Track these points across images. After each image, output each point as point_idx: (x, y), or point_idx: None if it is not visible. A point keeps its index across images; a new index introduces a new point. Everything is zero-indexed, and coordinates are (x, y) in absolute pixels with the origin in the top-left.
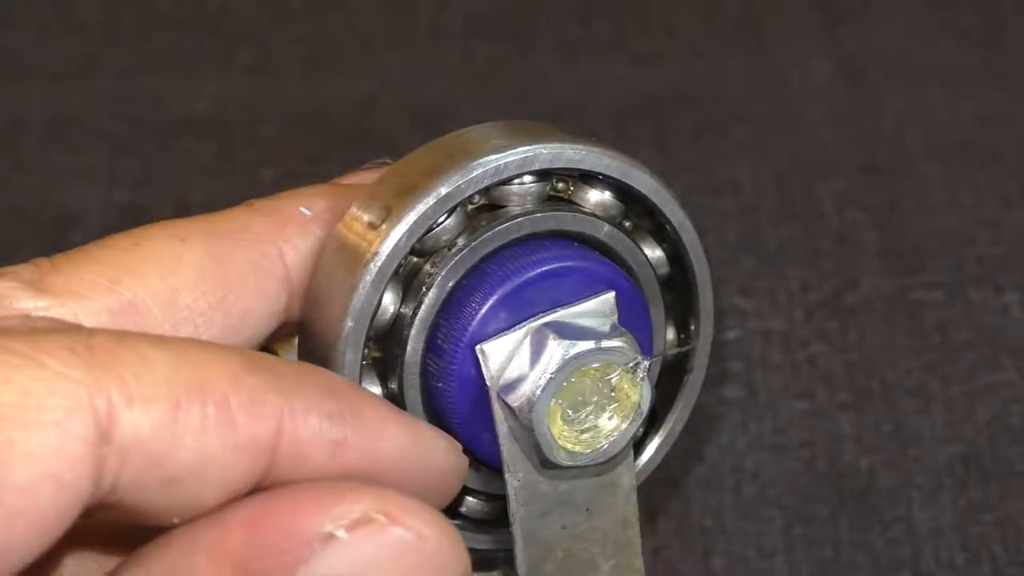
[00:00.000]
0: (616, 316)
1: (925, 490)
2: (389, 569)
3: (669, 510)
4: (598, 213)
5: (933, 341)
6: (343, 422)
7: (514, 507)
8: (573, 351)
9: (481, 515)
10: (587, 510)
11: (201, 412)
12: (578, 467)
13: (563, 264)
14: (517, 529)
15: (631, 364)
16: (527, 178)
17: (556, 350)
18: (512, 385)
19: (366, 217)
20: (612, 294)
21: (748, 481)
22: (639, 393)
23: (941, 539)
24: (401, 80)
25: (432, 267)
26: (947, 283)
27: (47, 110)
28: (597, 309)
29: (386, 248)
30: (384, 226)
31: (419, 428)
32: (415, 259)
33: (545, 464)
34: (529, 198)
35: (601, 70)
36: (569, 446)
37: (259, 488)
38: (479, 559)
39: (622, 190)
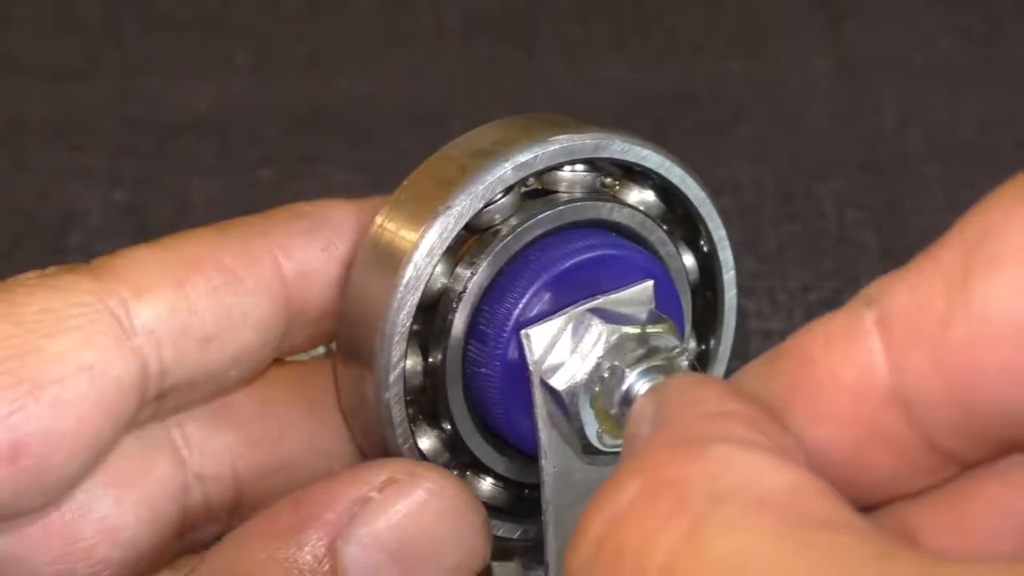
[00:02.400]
0: (654, 304)
1: None
2: (420, 518)
3: None
4: (640, 209)
5: None
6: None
7: (548, 494)
8: (618, 335)
9: (497, 502)
10: None
11: (205, 280)
12: (618, 452)
13: (605, 252)
14: (550, 517)
15: (675, 350)
16: (579, 167)
17: (601, 334)
18: (555, 369)
19: (437, 175)
20: (651, 283)
21: None
22: None
23: None
24: (401, 80)
25: (474, 256)
26: None
27: (47, 110)
28: (636, 297)
29: (458, 202)
30: (458, 181)
31: None
32: (465, 235)
33: (586, 449)
34: (578, 187)
35: (601, 70)
36: (610, 430)
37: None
38: (495, 549)
39: (666, 192)
